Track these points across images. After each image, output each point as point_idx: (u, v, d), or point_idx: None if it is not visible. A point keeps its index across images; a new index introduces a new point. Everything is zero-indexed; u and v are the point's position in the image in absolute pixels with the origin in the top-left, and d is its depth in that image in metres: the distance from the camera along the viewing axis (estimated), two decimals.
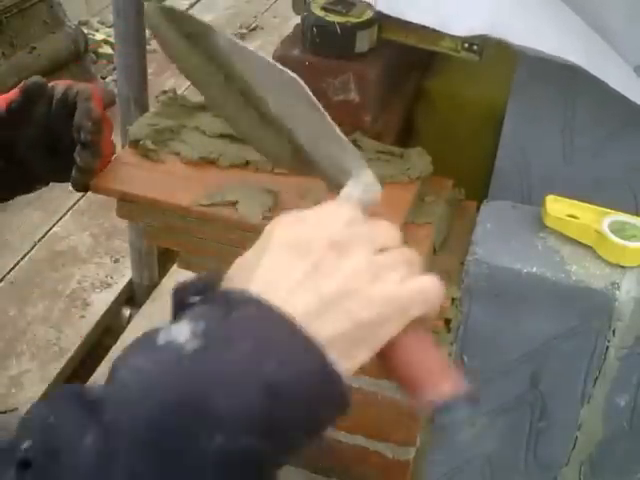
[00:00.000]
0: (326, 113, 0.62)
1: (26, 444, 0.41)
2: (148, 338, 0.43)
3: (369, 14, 0.90)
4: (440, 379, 0.47)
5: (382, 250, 0.50)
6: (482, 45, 0.87)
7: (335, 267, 0.46)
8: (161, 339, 0.43)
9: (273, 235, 0.48)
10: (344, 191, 0.57)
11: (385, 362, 0.49)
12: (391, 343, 0.47)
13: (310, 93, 0.60)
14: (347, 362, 0.46)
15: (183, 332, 0.42)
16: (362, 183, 0.59)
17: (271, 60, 0.62)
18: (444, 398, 0.47)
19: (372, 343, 0.47)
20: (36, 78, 0.82)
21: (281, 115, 0.65)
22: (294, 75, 0.60)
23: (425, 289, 0.50)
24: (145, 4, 0.70)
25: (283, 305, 0.44)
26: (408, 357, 0.48)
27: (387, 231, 0.52)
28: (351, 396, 0.45)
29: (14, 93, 0.81)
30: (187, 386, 0.41)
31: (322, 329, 0.44)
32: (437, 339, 0.84)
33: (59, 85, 0.82)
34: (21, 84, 0.81)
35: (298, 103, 0.62)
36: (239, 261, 0.48)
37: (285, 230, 0.48)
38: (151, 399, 0.40)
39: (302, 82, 0.61)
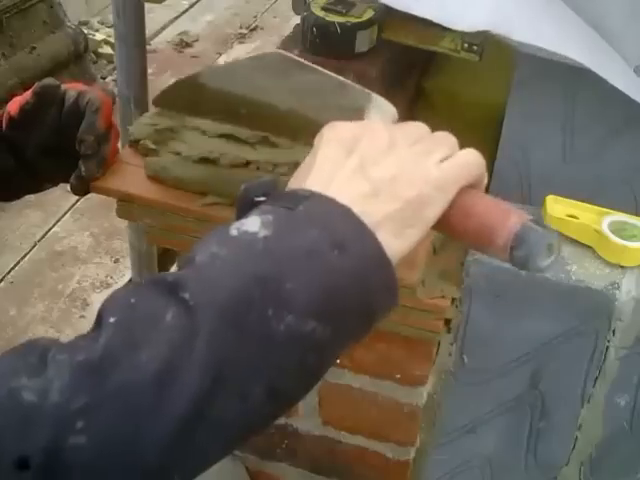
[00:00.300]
0: (315, 65, 0.66)
1: (111, 319, 0.44)
2: (221, 230, 0.47)
3: (369, 14, 0.90)
4: (506, 216, 0.50)
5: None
6: (482, 45, 0.88)
7: (381, 156, 0.51)
8: (233, 230, 0.47)
9: (323, 136, 0.53)
10: (370, 119, 0.62)
11: (453, 230, 0.53)
12: (452, 208, 0.51)
13: (294, 57, 0.64)
14: (401, 241, 0.50)
15: (254, 223, 0.46)
16: (379, 107, 0.64)
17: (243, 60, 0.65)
18: (517, 228, 0.49)
19: (422, 220, 0.50)
20: (49, 80, 0.82)
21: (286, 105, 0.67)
22: (273, 51, 0.63)
23: (465, 163, 0.53)
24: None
25: (338, 195, 0.48)
26: (470, 214, 0.51)
27: (418, 128, 0.57)
28: (398, 284, 0.49)
29: (27, 95, 0.81)
30: (262, 265, 0.44)
31: (375, 211, 0.49)
32: (437, 339, 0.84)
33: (71, 90, 0.82)
34: (35, 85, 0.81)
35: (290, 77, 0.65)
36: (300, 166, 0.53)
37: (334, 130, 0.53)
38: (230, 275, 0.44)
39: (282, 52, 0.64)
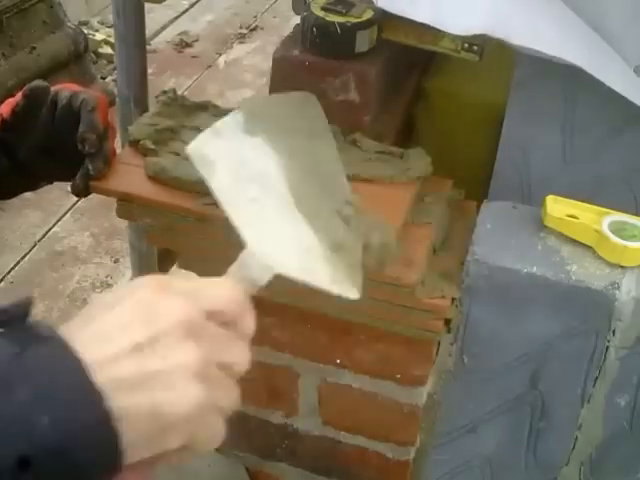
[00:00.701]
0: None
1: None
2: None
3: (369, 14, 0.90)
4: None
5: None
6: (482, 45, 0.88)
7: (172, 349, 0.45)
8: None
9: (137, 292, 0.46)
10: (233, 267, 0.54)
11: None
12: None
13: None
14: (134, 447, 0.43)
15: None
16: (253, 262, 0.55)
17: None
18: None
19: (160, 443, 0.45)
20: (38, 82, 0.82)
21: None
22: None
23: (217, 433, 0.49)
24: None
25: (102, 364, 0.42)
26: None
27: (237, 348, 0.50)
28: (123, 466, 0.43)
29: (18, 97, 0.82)
30: None
31: (123, 401, 0.42)
32: (437, 339, 0.85)
33: (64, 91, 0.82)
34: (24, 88, 0.81)
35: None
36: (98, 299, 0.48)
37: (148, 292, 0.47)
38: None
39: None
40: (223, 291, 0.51)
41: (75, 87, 0.83)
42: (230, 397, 0.50)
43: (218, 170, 0.55)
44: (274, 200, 0.58)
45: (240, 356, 0.49)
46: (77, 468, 0.41)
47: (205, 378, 0.47)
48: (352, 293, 0.58)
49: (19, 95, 0.81)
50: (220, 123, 0.57)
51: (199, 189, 0.83)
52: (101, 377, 0.42)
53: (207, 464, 1.00)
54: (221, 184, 0.55)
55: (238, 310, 0.50)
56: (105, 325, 0.45)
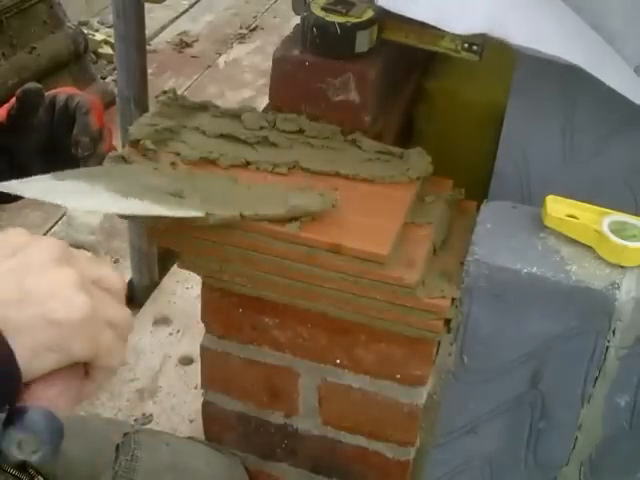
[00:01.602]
0: None
1: None
2: None
3: (369, 14, 0.90)
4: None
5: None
6: (482, 45, 0.87)
7: (45, 269, 0.50)
8: None
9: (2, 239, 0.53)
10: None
11: None
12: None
13: None
14: (35, 360, 0.48)
15: None
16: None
17: None
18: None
19: (66, 350, 0.49)
20: (31, 84, 0.83)
21: None
22: None
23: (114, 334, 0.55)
24: None
25: None
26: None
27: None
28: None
29: (13, 100, 0.82)
30: None
31: (15, 318, 0.47)
32: (437, 339, 0.85)
33: (61, 94, 0.83)
34: (17, 91, 0.82)
35: None
36: None
37: (11, 231, 0.53)
38: None
39: None
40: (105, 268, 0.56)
41: (71, 90, 0.84)
42: (117, 311, 0.54)
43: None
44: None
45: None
46: None
47: (88, 290, 0.51)
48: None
49: (13, 99, 0.82)
50: None
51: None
52: None
53: (205, 462, 1.00)
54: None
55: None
56: None
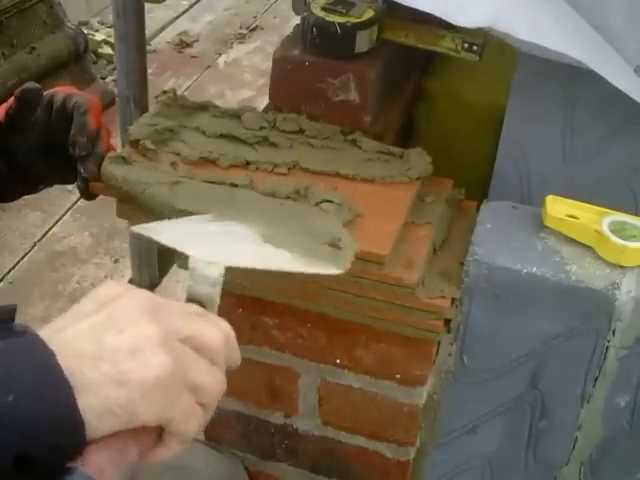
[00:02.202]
0: None
1: None
2: None
3: (369, 14, 0.90)
4: None
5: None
6: (482, 45, 0.87)
7: (130, 323, 0.47)
8: None
9: (93, 293, 0.51)
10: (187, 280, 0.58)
11: None
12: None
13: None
14: (104, 421, 0.45)
15: None
16: (200, 264, 0.59)
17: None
18: None
19: (134, 413, 0.46)
20: (30, 84, 0.83)
21: None
22: None
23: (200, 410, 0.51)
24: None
25: (60, 344, 0.45)
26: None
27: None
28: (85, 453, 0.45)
29: (11, 100, 0.82)
30: None
31: (87, 374, 0.45)
32: (437, 339, 0.85)
33: (59, 93, 0.83)
34: (16, 91, 0.82)
35: None
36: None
37: (101, 286, 0.51)
38: None
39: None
40: (211, 329, 0.53)
41: (69, 89, 0.84)
42: (204, 374, 0.50)
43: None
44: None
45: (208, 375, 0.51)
46: (30, 429, 0.43)
47: (171, 349, 0.48)
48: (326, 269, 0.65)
49: (12, 99, 0.82)
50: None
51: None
52: (62, 357, 0.44)
53: (205, 462, 1.00)
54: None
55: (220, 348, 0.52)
56: (67, 316, 0.49)
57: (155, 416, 0.47)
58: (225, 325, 0.54)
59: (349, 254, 0.72)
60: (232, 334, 0.54)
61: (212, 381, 0.51)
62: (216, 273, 0.58)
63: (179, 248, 0.59)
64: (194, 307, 0.54)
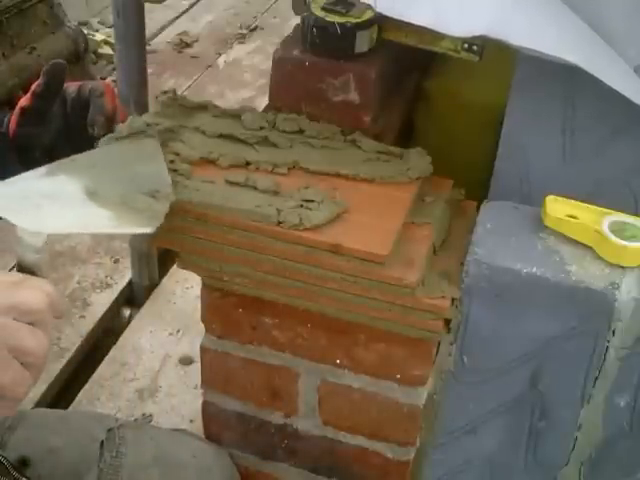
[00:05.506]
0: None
1: None
2: None
3: (369, 14, 0.90)
4: None
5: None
6: (482, 45, 0.87)
7: None
8: None
9: None
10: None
11: None
12: None
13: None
14: None
15: None
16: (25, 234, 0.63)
17: None
18: None
19: None
20: (56, 60, 0.85)
21: None
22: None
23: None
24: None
25: None
26: None
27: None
28: None
29: (36, 82, 0.84)
30: None
31: None
32: (437, 339, 0.85)
33: (71, 86, 0.85)
34: (44, 68, 0.84)
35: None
36: None
37: None
38: None
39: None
40: (33, 292, 0.55)
41: (81, 82, 0.86)
42: (28, 339, 0.53)
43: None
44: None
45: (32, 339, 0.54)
46: None
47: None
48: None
49: (37, 81, 0.84)
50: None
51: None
52: None
53: (192, 454, 0.99)
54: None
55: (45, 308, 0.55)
56: None
57: None
58: (47, 286, 0.57)
59: (163, 209, 0.74)
60: (54, 292, 0.57)
61: (37, 344, 0.54)
62: (40, 242, 0.62)
63: (5, 215, 0.63)
64: (16, 276, 0.58)
